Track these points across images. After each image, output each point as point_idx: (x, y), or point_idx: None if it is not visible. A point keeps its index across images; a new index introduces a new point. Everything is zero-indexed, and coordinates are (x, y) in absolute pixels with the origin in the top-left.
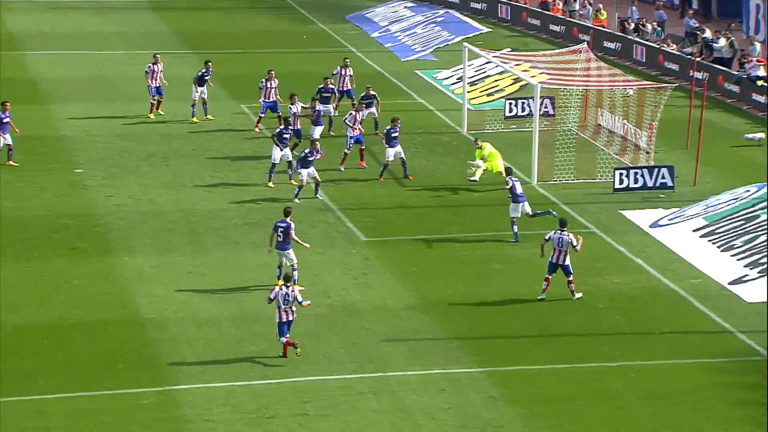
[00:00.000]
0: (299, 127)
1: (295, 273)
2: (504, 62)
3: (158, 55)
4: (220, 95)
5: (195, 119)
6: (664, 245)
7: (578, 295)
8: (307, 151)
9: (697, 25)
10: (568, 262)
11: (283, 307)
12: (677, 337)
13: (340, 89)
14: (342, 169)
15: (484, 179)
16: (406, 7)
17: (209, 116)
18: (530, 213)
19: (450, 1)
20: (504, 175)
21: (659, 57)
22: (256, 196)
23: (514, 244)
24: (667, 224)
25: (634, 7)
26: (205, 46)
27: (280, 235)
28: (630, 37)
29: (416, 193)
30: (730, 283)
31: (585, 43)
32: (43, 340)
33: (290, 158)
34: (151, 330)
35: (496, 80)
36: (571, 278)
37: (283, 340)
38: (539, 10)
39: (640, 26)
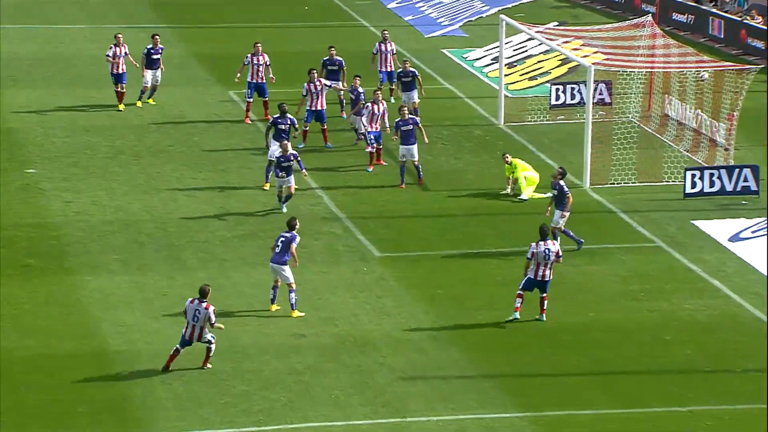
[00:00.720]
0: (323, 107)
1: (292, 295)
2: (550, 39)
3: (120, 36)
4: (203, 80)
5: (145, 102)
6: (746, 263)
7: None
8: (278, 154)
9: None
10: (550, 277)
11: (191, 323)
12: (764, 377)
13: (382, 70)
14: (370, 169)
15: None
16: None
17: (150, 100)
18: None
19: None
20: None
21: (741, 32)
22: (248, 202)
23: (576, 253)
24: (751, 237)
25: None
26: (185, 19)
27: (278, 246)
28: (705, 7)
29: (442, 199)
30: None
31: (650, 15)
32: None
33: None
34: (119, 365)
35: (539, 61)
36: (545, 295)
37: (176, 349)
38: None
39: None
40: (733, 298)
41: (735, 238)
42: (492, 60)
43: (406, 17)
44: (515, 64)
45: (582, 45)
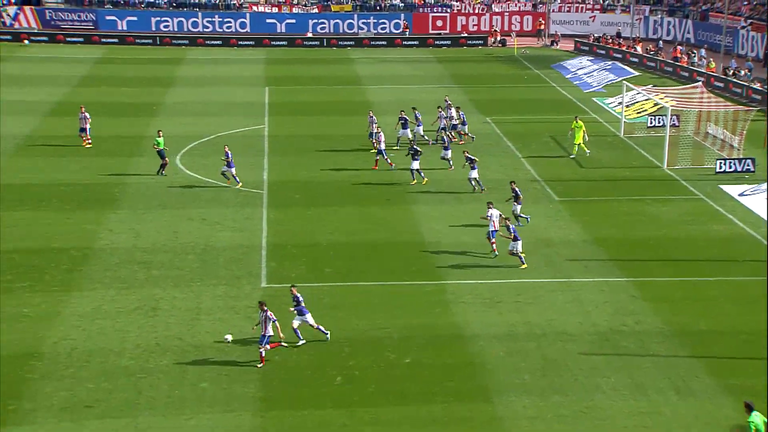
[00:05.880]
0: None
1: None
2: (648, 93)
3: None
4: (472, 111)
5: (421, 141)
6: (747, 207)
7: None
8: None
9: None
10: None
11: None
12: (754, 264)
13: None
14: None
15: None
16: (588, 60)
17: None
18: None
19: (615, 56)
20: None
21: (749, 91)
22: (375, 184)
23: (656, 200)
24: (750, 194)
25: (733, 60)
26: (465, 83)
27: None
28: (730, 78)
29: (591, 171)
30: None
31: (701, 82)
32: (361, 252)
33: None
34: (430, 247)
35: (642, 104)
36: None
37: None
38: (671, 61)
39: (737, 71)
40: (739, 224)
41: (741, 194)
42: (618, 103)
43: (575, 82)
44: (630, 105)
45: (664, 96)
